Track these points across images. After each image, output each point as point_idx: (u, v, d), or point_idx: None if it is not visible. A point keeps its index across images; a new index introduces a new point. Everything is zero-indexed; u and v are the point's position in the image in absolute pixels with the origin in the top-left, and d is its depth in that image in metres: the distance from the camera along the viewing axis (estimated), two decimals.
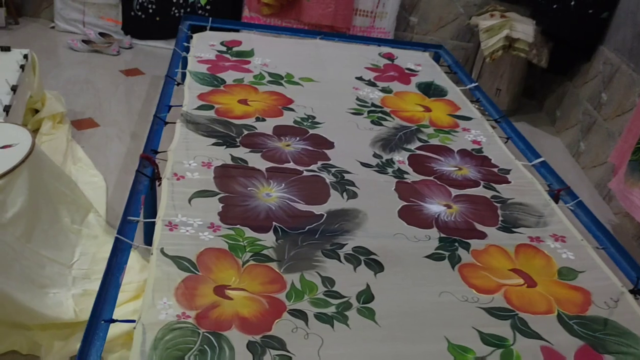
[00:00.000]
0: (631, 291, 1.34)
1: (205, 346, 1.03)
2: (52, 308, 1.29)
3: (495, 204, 1.61)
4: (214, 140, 1.68)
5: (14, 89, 1.75)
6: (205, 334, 1.05)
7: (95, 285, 1.44)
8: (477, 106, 2.24)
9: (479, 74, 2.99)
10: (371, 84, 2.27)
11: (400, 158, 1.77)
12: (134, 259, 1.50)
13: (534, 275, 1.36)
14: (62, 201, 1.49)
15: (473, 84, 2.40)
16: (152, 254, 1.20)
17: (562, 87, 2.95)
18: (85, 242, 1.51)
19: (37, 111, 2.12)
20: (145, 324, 1.04)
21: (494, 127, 2.07)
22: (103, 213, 1.74)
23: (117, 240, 1.19)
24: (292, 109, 1.96)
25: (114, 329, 1.30)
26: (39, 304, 1.27)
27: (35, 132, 2.05)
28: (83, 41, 2.92)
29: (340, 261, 1.31)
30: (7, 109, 1.62)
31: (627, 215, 2.13)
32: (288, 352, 1.05)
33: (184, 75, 2.09)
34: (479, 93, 2.36)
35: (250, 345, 1.05)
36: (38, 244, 1.36)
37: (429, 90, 2.29)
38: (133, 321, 1.05)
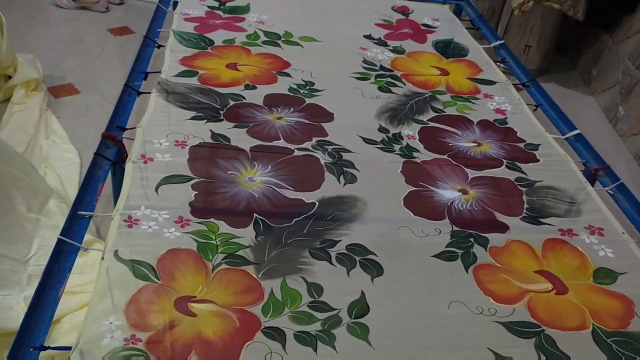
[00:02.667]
0: None
1: None
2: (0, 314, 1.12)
3: (520, 188, 1.37)
4: (193, 114, 1.45)
5: None
6: None
7: None
8: (502, 67, 1.97)
9: (505, 29, 2.68)
10: (381, 43, 2.00)
11: (409, 132, 1.53)
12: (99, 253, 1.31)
13: (564, 279, 1.13)
14: (15, 187, 1.30)
15: (498, 42, 2.11)
16: (102, 258, 1.01)
17: (600, 43, 2.62)
18: (44, 233, 1.33)
19: (9, 78, 1.92)
20: (84, 350, 0.86)
21: (519, 90, 1.81)
22: (74, 193, 1.55)
23: (59, 241, 1.00)
24: (288, 74, 1.71)
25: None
26: None
27: (6, 101, 1.85)
28: None
29: (332, 263, 1.10)
30: None
31: None
32: None
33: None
34: (505, 52, 2.07)
35: None
36: None
37: (448, 49, 2.02)
38: (69, 348, 0.86)
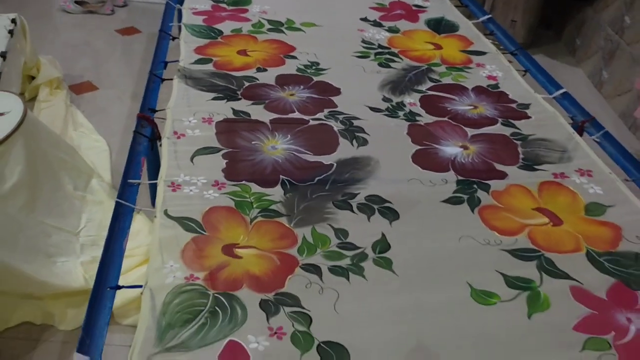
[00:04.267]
0: None
1: (216, 307, 0.98)
2: (61, 277, 1.26)
3: (515, 141, 1.52)
4: (214, 95, 1.60)
5: (3, 55, 1.67)
6: (215, 295, 1.01)
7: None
8: (491, 40, 2.12)
9: (492, 6, 2.83)
10: (377, 24, 2.15)
11: (411, 100, 1.67)
12: (141, 222, 1.46)
13: (559, 213, 1.28)
14: (62, 168, 1.44)
15: (486, 17, 2.26)
16: (155, 216, 1.15)
17: (582, 14, 2.77)
18: (90, 209, 1.47)
19: (33, 78, 2.05)
20: (152, 288, 1.00)
21: (510, 61, 1.95)
22: (108, 178, 1.69)
23: (117, 204, 1.14)
24: (294, 57, 1.86)
25: (126, 294, 1.29)
26: (47, 274, 1.24)
27: (33, 99, 1.99)
28: (76, 2, 2.81)
29: (353, 211, 1.24)
30: None
31: None
32: (303, 308, 1.00)
33: (180, 30, 1.99)
34: (492, 25, 2.22)
35: (263, 304, 1.00)
36: (42, 213, 1.32)
37: (439, 26, 2.16)
38: (140, 286, 1.00)
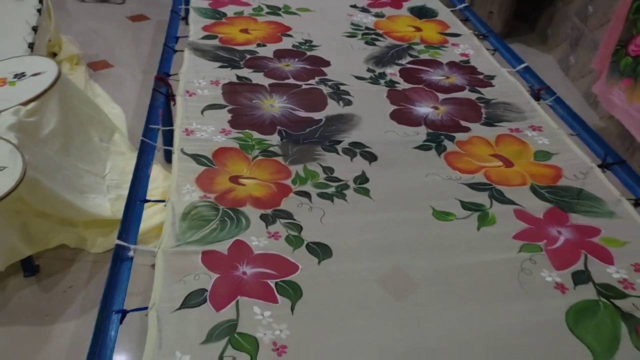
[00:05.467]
0: (599, 166, 1.51)
1: (225, 217, 1.22)
2: (93, 208, 1.49)
3: (479, 104, 1.77)
4: (219, 64, 1.83)
5: (34, 29, 1.91)
6: (224, 209, 1.24)
7: (126, 192, 1.65)
8: (468, 28, 2.36)
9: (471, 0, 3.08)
10: (364, 10, 2.39)
11: (392, 71, 1.92)
12: (157, 171, 1.69)
13: (511, 158, 1.53)
14: (90, 122, 1.67)
15: (463, 5, 2.51)
16: (174, 152, 1.39)
17: (553, 7, 3.03)
18: (114, 158, 1.70)
19: (55, 55, 2.28)
20: (173, 203, 1.23)
21: (482, 42, 2.20)
22: (126, 136, 1.92)
23: (142, 142, 1.38)
24: (290, 35, 2.10)
25: (147, 223, 1.52)
26: (82, 204, 1.46)
27: None
28: None
29: (338, 154, 1.48)
30: (31, 46, 1.79)
31: (611, 118, 2.27)
32: (295, 220, 1.24)
33: (187, 13, 2.23)
34: (468, 12, 2.47)
35: (263, 217, 1.24)
36: (74, 157, 1.55)
37: (421, 12, 2.41)
38: (163, 201, 1.24)
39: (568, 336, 1.02)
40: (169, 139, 1.56)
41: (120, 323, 0.96)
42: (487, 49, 2.13)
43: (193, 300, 1.02)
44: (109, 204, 1.54)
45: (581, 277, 1.15)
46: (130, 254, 1.10)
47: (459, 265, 1.17)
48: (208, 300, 1.02)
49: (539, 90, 1.85)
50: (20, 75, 1.57)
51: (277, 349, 0.96)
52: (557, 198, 1.38)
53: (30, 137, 1.42)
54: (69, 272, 1.47)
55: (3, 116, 1.39)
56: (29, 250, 1.37)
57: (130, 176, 1.67)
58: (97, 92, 2.17)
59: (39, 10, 2.05)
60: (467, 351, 0.99)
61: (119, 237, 1.10)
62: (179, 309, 1.00)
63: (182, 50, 1.88)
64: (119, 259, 1.07)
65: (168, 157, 1.77)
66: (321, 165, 1.43)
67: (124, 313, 0.98)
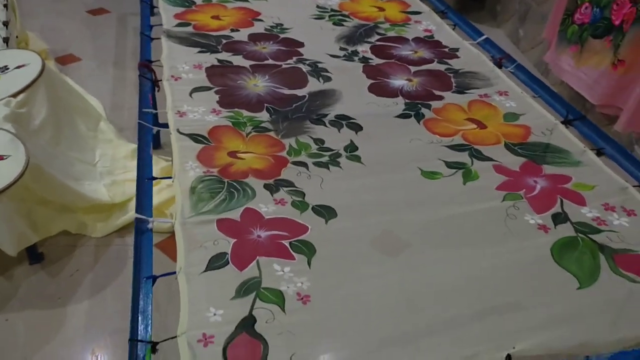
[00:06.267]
0: (562, 122, 1.65)
1: (231, 189, 1.28)
2: (91, 193, 1.52)
3: (449, 74, 1.89)
4: (198, 49, 1.88)
5: (5, 24, 1.89)
6: (229, 182, 1.31)
7: (120, 177, 1.68)
8: (425, 5, 2.48)
9: None
10: None
11: (363, 49, 2.01)
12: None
13: (484, 121, 1.65)
14: (76, 112, 1.69)
15: None
16: (171, 133, 1.44)
17: None
18: (102, 145, 1.72)
19: None
20: (179, 178, 1.29)
21: (442, 19, 2.33)
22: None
23: (140, 124, 1.42)
24: (261, 20, 2.16)
25: (156, 198, 1.56)
26: (81, 190, 1.49)
27: None
28: None
29: (326, 126, 1.57)
30: (5, 40, 1.78)
31: (562, 84, 2.45)
32: (297, 187, 1.32)
33: (152, 2, 2.25)
34: None
35: (267, 186, 1.31)
36: (65, 146, 1.57)
37: None
38: (170, 177, 1.29)
39: (555, 267, 1.15)
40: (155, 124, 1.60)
41: (152, 285, 1.02)
42: (448, 24, 2.26)
43: (216, 263, 1.09)
44: (105, 189, 1.57)
45: (559, 217, 1.29)
46: (149, 225, 1.15)
47: (451, 215, 1.28)
48: (230, 262, 1.09)
49: (501, 59, 1.99)
50: (3, 69, 1.57)
51: (302, 299, 1.04)
52: (529, 152, 1.52)
53: (23, 128, 1.43)
54: (73, 257, 1.50)
55: None
56: (35, 237, 1.39)
57: (120, 162, 1.73)
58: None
59: (5, 6, 2.03)
60: (471, 287, 1.10)
61: (137, 212, 1.15)
62: (204, 271, 1.07)
63: (158, 38, 1.91)
64: (141, 231, 1.12)
65: (156, 144, 1.80)
66: (312, 137, 1.51)
67: (154, 278, 1.04)
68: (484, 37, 2.13)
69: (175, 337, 0.93)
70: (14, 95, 1.47)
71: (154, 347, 0.91)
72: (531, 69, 2.73)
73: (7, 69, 1.57)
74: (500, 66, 1.97)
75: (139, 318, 0.95)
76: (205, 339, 0.94)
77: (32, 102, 1.50)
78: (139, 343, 0.90)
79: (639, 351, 0.99)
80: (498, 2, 3.23)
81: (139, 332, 0.92)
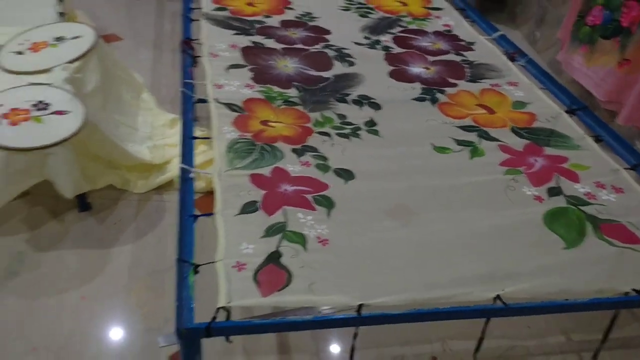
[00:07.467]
0: (566, 111, 1.79)
1: (263, 151, 1.45)
2: (136, 153, 1.70)
3: (464, 65, 2.04)
4: (234, 31, 2.05)
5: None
6: (261, 145, 1.47)
7: (159, 142, 1.86)
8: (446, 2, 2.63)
9: None
10: None
11: (385, 39, 2.17)
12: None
13: (493, 107, 1.80)
14: (122, 82, 1.87)
15: None
16: (210, 102, 1.61)
17: None
18: (144, 113, 1.90)
19: None
20: (217, 139, 1.46)
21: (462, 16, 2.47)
22: None
23: (183, 92, 1.60)
24: (292, 8, 2.33)
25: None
26: (128, 149, 1.67)
27: None
28: None
29: (348, 104, 1.73)
30: (62, 15, 1.97)
31: (573, 82, 2.58)
32: (320, 153, 1.48)
33: None
34: None
35: (294, 150, 1.48)
36: (112, 111, 1.75)
37: None
38: (209, 138, 1.47)
39: (545, 230, 1.30)
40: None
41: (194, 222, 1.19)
42: (467, 20, 2.40)
43: (248, 208, 1.26)
44: (147, 150, 1.75)
45: (554, 190, 1.43)
46: (191, 175, 1.32)
47: (457, 184, 1.43)
48: (260, 208, 1.26)
49: (513, 54, 2.13)
50: (60, 39, 1.76)
51: (321, 241, 1.20)
52: (533, 136, 1.66)
53: (78, 91, 1.61)
54: (117, 208, 1.68)
55: (56, 71, 1.58)
56: (87, 186, 1.57)
57: (159, 130, 1.90)
58: None
59: None
60: (471, 242, 1.26)
61: (182, 163, 1.33)
62: (238, 214, 1.24)
63: (197, 20, 2.09)
64: (185, 179, 1.30)
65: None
66: (335, 113, 1.67)
67: (196, 217, 1.21)
68: (499, 32, 2.27)
69: (214, 262, 1.10)
70: (71, 62, 1.65)
71: (195, 268, 1.08)
72: (545, 67, 2.86)
73: (64, 39, 1.75)
74: (512, 60, 2.12)
75: (184, 246, 1.12)
76: (239, 266, 1.10)
77: (86, 69, 1.68)
78: (184, 264, 1.07)
79: (612, 298, 1.13)
80: (518, 5, 3.36)
81: (184, 256, 1.09)
